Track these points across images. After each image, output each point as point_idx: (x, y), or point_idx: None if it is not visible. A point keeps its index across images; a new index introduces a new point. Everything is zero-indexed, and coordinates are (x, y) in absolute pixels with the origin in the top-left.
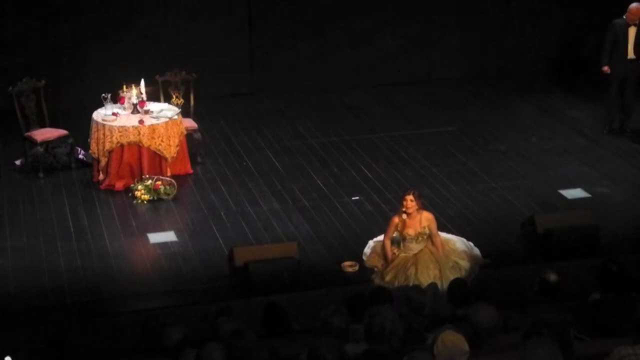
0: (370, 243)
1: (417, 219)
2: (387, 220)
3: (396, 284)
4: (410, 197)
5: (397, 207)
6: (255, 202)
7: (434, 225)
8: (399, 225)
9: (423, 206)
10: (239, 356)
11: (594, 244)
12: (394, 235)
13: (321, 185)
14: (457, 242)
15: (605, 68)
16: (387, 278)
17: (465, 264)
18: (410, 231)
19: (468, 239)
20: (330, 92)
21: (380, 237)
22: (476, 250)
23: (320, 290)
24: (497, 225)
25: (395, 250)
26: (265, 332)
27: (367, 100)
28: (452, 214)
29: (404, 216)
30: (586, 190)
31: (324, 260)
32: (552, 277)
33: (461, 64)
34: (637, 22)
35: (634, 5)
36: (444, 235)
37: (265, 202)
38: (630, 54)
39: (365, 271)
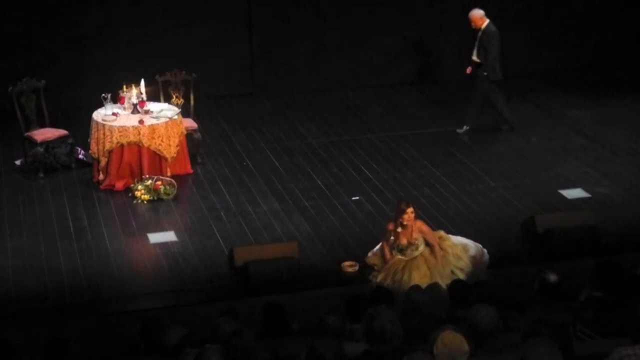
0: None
1: (410, 230)
2: (387, 220)
3: (385, 285)
4: (411, 210)
5: (393, 217)
6: (255, 202)
7: (429, 236)
8: (393, 235)
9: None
10: (239, 356)
11: (594, 244)
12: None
13: (321, 185)
14: (471, 249)
15: (469, 69)
16: (379, 278)
17: (462, 275)
18: (404, 241)
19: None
20: (330, 92)
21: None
22: (486, 258)
23: (320, 290)
24: (497, 225)
25: (394, 253)
26: (265, 332)
27: (367, 100)
28: (452, 214)
29: (399, 229)
30: (586, 190)
31: (324, 260)
32: (552, 277)
33: (461, 64)
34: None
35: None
36: (457, 239)
37: (265, 202)
38: (474, 56)
39: (365, 271)
